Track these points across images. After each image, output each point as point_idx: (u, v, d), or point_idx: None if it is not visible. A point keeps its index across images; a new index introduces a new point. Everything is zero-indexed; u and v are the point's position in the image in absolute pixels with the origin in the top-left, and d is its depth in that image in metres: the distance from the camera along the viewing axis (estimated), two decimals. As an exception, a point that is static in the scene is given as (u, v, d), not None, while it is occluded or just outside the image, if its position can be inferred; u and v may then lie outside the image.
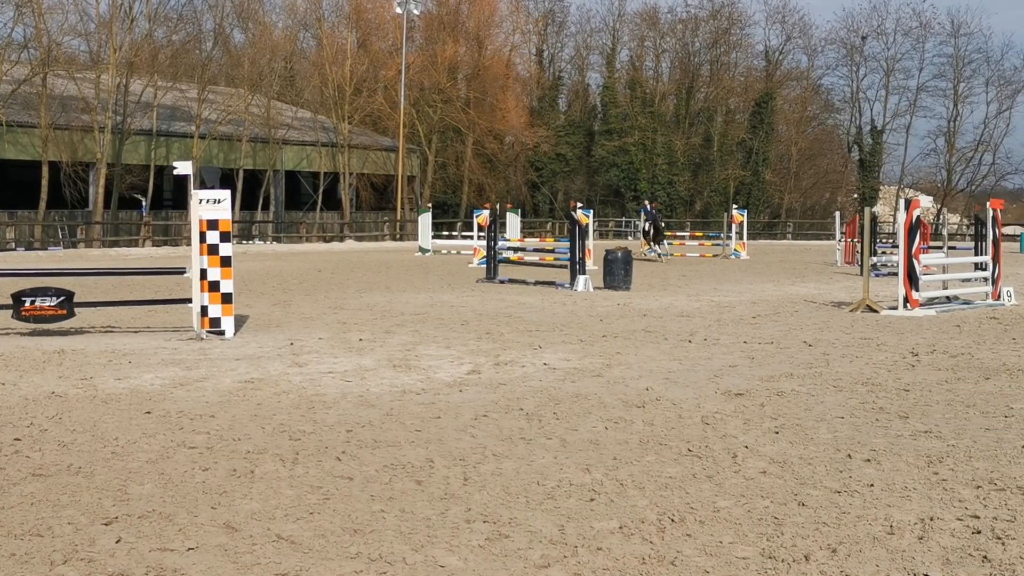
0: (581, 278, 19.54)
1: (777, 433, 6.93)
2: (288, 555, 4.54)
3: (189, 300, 12.19)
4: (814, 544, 4.66)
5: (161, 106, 46.53)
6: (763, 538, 4.75)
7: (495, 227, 23.06)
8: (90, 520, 5.03)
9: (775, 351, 11.03)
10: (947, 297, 16.72)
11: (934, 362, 10.25)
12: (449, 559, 4.50)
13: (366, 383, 8.94)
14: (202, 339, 11.88)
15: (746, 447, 6.52)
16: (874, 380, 9.07)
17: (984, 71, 64.87)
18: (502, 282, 21.56)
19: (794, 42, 65.41)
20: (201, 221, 12.08)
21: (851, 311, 15.31)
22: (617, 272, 19.82)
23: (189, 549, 4.62)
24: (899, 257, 15.16)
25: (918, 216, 15.25)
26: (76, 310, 12.47)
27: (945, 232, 23.24)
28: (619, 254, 20.00)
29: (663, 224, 34.24)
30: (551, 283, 20.39)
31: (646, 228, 33.28)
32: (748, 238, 38.70)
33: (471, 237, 33.67)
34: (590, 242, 24.01)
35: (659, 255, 31.92)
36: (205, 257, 12.10)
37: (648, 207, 34.53)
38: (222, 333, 12.08)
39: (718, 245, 35.93)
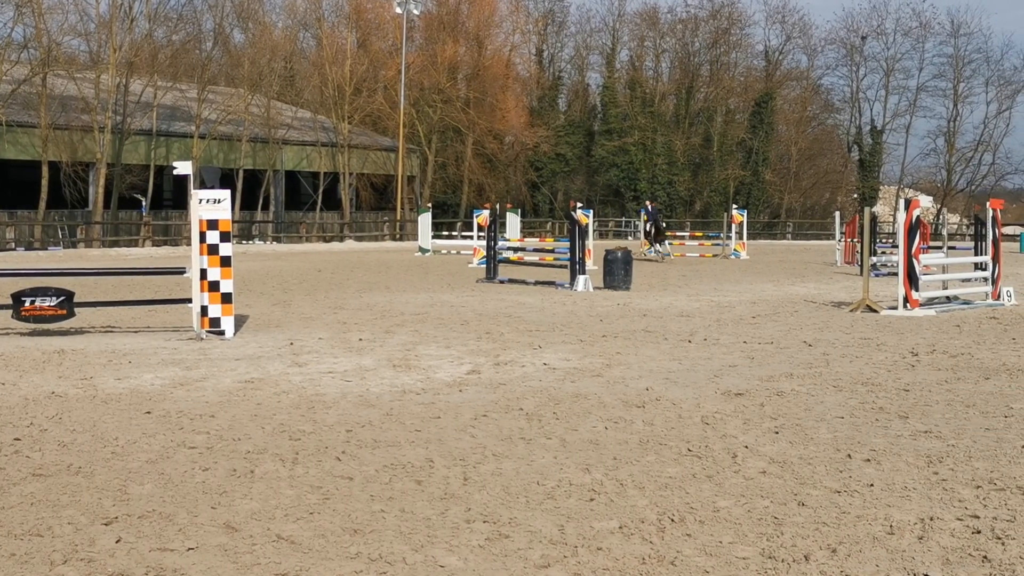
0: (581, 278, 19.54)
1: (777, 433, 6.93)
2: (288, 555, 4.54)
3: (189, 300, 12.19)
4: (814, 544, 4.66)
5: (161, 106, 46.54)
6: (763, 538, 4.75)
7: (495, 227, 23.06)
8: (90, 520, 5.03)
9: (775, 351, 11.03)
10: (947, 297, 16.72)
11: (934, 362, 10.25)
12: (449, 559, 4.50)
13: (366, 383, 8.94)
14: (202, 339, 11.88)
15: (746, 447, 6.52)
16: (874, 380, 9.07)
17: (984, 71, 65.04)
18: (502, 282, 21.55)
19: (794, 42, 65.54)
20: (201, 221, 12.08)
21: (851, 311, 15.31)
22: (617, 272, 19.82)
23: (189, 549, 4.62)
24: (899, 257, 15.16)
25: (918, 216, 15.25)
26: (76, 310, 12.48)
27: (945, 232, 23.24)
28: (619, 254, 20.01)
29: (664, 224, 34.24)
30: (551, 283, 20.39)
31: (647, 228, 33.29)
32: (748, 238, 38.72)
33: (471, 237, 33.65)
34: (590, 242, 24.02)
35: (660, 254, 31.92)
36: (205, 257, 12.10)
37: (649, 207, 34.53)
38: (222, 333, 12.08)
39: (718, 245, 35.92)
